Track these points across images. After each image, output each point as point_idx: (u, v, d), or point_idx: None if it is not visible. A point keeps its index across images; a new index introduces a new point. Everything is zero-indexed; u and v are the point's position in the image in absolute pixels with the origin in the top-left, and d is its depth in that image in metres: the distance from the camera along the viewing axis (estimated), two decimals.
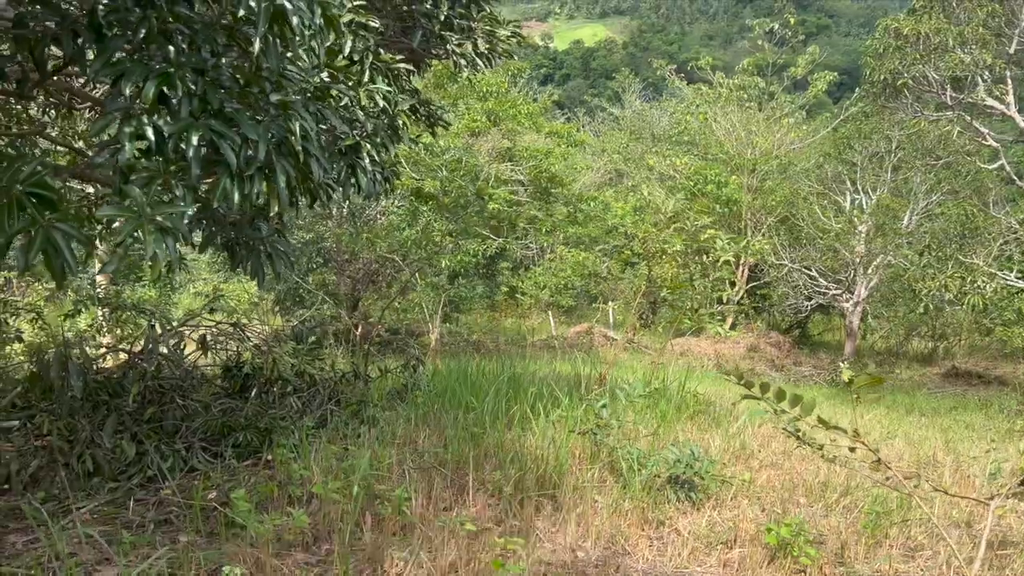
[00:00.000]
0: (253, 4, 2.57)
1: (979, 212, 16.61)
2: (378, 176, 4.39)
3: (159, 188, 2.55)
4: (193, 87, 2.69)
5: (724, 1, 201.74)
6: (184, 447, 5.40)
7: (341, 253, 16.41)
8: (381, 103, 4.14)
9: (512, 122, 21.73)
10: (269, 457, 5.42)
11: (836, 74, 28.20)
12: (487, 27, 4.75)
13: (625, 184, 31.46)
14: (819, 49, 28.51)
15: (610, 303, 26.24)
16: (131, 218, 2.40)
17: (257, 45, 2.68)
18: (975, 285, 13.05)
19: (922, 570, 3.93)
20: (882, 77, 14.98)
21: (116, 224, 2.41)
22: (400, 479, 4.81)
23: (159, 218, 2.42)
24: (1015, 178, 15.29)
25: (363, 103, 4.02)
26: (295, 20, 2.65)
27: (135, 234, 2.39)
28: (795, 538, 3.88)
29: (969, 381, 21.75)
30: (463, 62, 4.81)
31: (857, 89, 20.03)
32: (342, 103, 3.80)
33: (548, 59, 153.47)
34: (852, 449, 3.05)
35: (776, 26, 26.09)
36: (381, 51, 4.48)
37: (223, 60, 3.05)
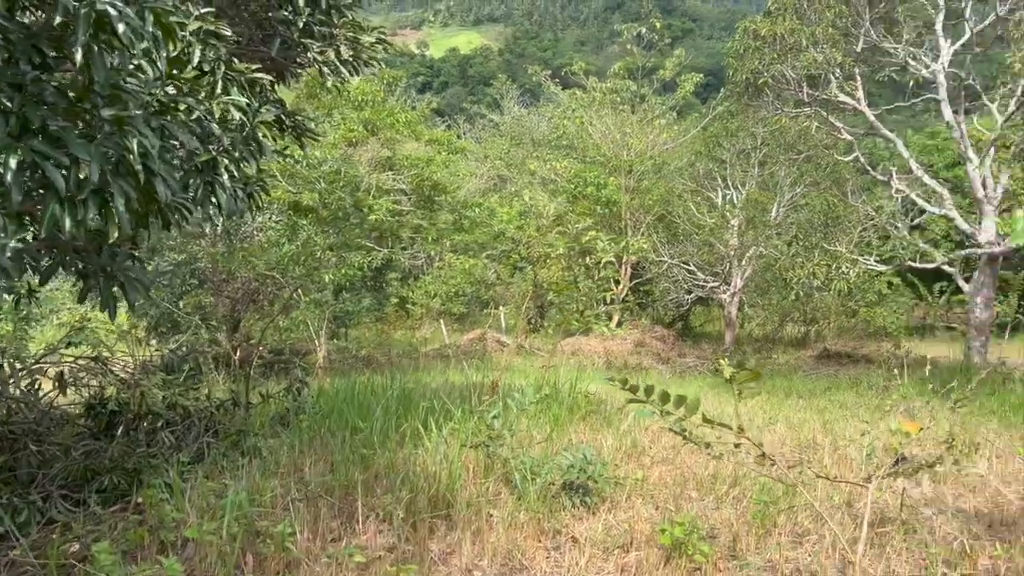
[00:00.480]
0: (71, 7, 2.31)
1: (839, 202, 17.64)
2: (239, 192, 4.12)
3: None
4: (9, 104, 2.39)
5: (594, 7, 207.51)
6: (41, 497, 4.91)
7: (217, 273, 15.64)
8: (237, 116, 3.88)
9: (391, 131, 21.40)
10: (139, 500, 5.01)
11: (702, 75, 29.37)
12: (350, 34, 4.56)
13: (509, 189, 31.66)
14: (685, 52, 29.63)
15: (501, 308, 26.30)
16: None
17: (79, 55, 2.41)
18: (840, 271, 13.85)
19: (810, 555, 4.04)
20: (744, 77, 15.70)
21: None
22: (284, 512, 4.54)
23: None
24: (868, 168, 16.33)
25: (218, 116, 3.75)
26: (121, 27, 2.39)
27: None
28: (689, 536, 3.90)
29: (840, 361, 23.07)
30: (327, 70, 4.59)
31: (722, 89, 20.92)
32: (193, 117, 3.52)
33: (425, 67, 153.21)
34: (737, 445, 3.07)
35: (644, 30, 26.88)
36: (235, 61, 4.22)
37: (54, 74, 2.76)
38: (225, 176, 3.84)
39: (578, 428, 7.14)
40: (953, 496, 5.05)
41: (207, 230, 15.04)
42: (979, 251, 14.66)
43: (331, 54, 4.51)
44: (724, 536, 4.34)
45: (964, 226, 15.12)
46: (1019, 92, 14.30)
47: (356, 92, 20.69)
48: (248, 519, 4.20)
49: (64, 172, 2.44)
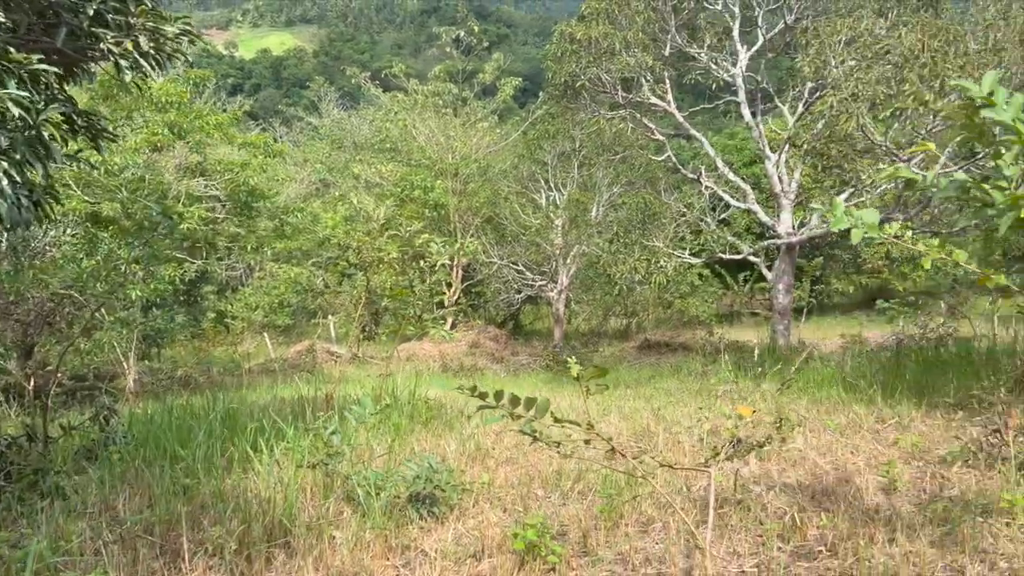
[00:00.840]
0: None
1: (654, 200, 18.67)
2: (24, 201, 3.59)
3: None
4: None
5: (410, 11, 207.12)
6: None
7: (3, 295, 13.92)
8: (17, 112, 3.37)
9: (200, 134, 20.06)
10: None
11: (520, 80, 30.04)
12: (150, 23, 4.10)
13: (332, 194, 30.79)
14: (503, 56, 30.17)
15: (330, 317, 25.49)
16: None
17: None
18: (659, 265, 14.63)
19: (657, 543, 4.11)
20: (563, 79, 16.19)
21: None
22: (96, 557, 4.02)
23: None
24: (679, 167, 17.38)
25: None
26: None
27: None
28: (541, 538, 3.84)
29: (660, 350, 24.41)
30: (124, 63, 4.10)
31: (541, 93, 21.50)
32: None
33: (235, 68, 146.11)
34: (587, 442, 3.04)
35: (462, 34, 27.11)
36: (12, 50, 3.67)
37: None
38: (5, 181, 3.31)
39: (420, 436, 6.96)
40: (778, 471, 5.37)
41: None
42: (779, 241, 16.01)
43: (129, 45, 4.02)
44: (574, 532, 4.33)
45: (765, 219, 16.46)
46: (806, 94, 15.77)
47: (159, 93, 19.20)
48: (52, 570, 3.68)
49: None
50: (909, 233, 2.80)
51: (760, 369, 11.23)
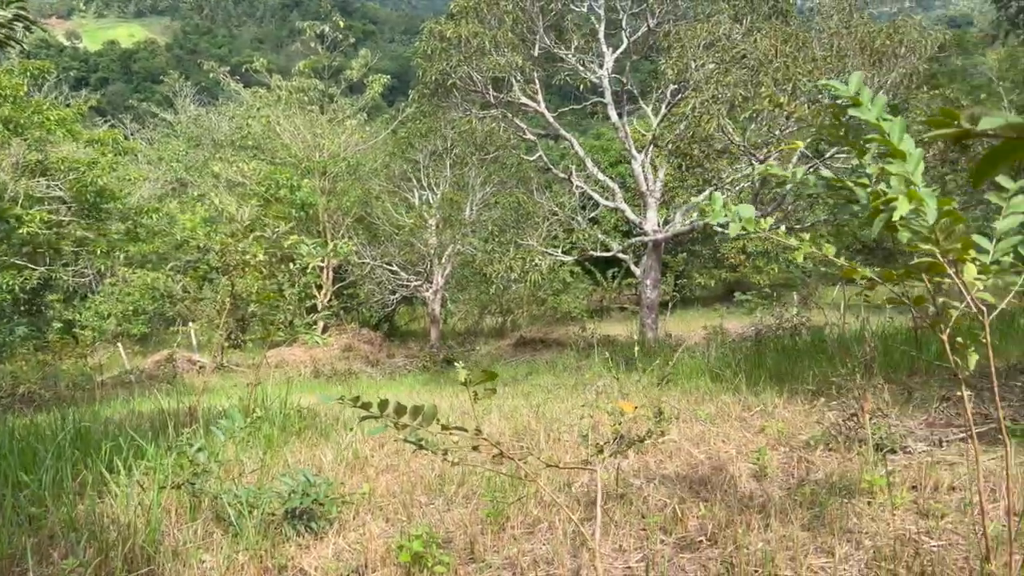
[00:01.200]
0: None
1: (527, 199, 18.87)
2: None
3: None
4: None
5: (271, 4, 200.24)
6: None
7: None
8: None
9: (39, 130, 18.43)
10: None
11: (389, 77, 29.57)
12: None
13: (191, 194, 29.21)
14: (370, 53, 29.60)
15: (191, 324, 24.16)
16: None
17: None
18: (533, 264, 14.79)
19: (544, 543, 4.08)
20: (433, 78, 16.04)
21: None
22: None
23: None
24: (550, 166, 17.64)
25: None
26: None
27: None
28: (427, 548, 3.72)
29: (535, 347, 24.74)
30: None
31: (411, 91, 21.27)
32: None
33: (78, 60, 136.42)
34: (476, 448, 2.95)
35: (327, 29, 26.37)
36: None
37: None
38: None
39: (294, 447, 6.65)
40: (656, 463, 5.48)
41: None
42: (646, 239, 16.55)
43: None
44: (460, 539, 4.24)
45: (633, 217, 16.97)
46: (669, 96, 16.38)
47: None
48: None
49: None
50: (783, 228, 2.88)
51: (636, 363, 11.56)
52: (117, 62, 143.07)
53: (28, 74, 19.33)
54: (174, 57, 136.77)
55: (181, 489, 4.73)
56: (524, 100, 16.62)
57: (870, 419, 5.43)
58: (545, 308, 29.51)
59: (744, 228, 2.78)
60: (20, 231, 17.11)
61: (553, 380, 13.48)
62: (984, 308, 2.42)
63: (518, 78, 16.19)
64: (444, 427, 2.68)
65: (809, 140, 12.33)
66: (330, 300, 23.91)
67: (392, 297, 24.85)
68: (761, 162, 12.81)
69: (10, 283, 16.26)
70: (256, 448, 6.27)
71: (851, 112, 2.42)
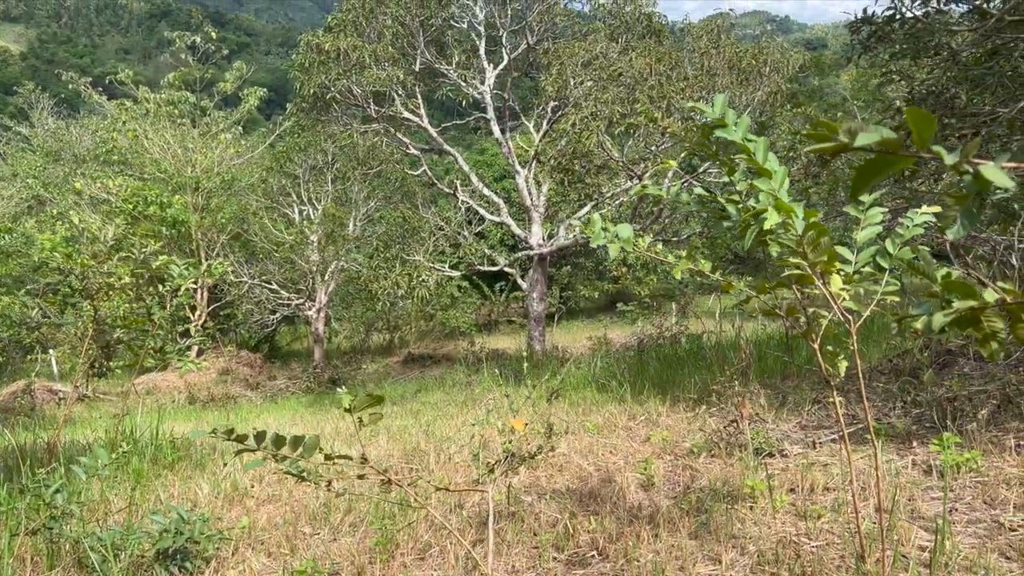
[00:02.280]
0: None
1: (413, 214, 18.71)
2: None
3: None
4: None
5: (137, 14, 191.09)
6: None
7: None
8: None
9: None
10: None
11: (265, 90, 28.68)
12: None
13: (49, 212, 27.25)
14: (245, 65, 28.62)
15: (51, 351, 22.47)
16: None
17: None
18: (420, 280, 14.65)
19: (435, 569, 3.98)
20: (311, 91, 15.65)
21: None
22: None
23: None
24: (435, 181, 17.56)
25: None
26: None
27: None
28: None
29: (424, 364, 24.50)
30: None
31: (288, 105, 20.69)
32: None
33: None
34: (361, 476, 2.83)
35: (198, 39, 25.31)
36: None
37: None
38: None
39: (166, 481, 6.25)
40: (546, 478, 5.49)
41: None
42: (531, 252, 16.73)
43: None
44: (348, 570, 4.08)
45: (518, 231, 17.13)
46: (549, 112, 16.67)
47: None
48: None
49: None
50: (660, 246, 2.93)
51: (524, 377, 11.61)
52: None
53: None
54: (29, 67, 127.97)
55: (37, 535, 4.34)
56: (406, 115, 16.50)
57: (748, 424, 5.65)
58: (433, 324, 29.31)
59: (623, 248, 2.81)
60: None
61: (443, 396, 13.36)
62: (850, 317, 2.54)
63: (400, 92, 16.06)
64: (327, 457, 2.56)
65: (683, 156, 12.86)
66: (205, 322, 22.84)
67: (272, 317, 24.03)
68: (639, 177, 13.24)
69: None
70: (124, 484, 5.86)
71: (717, 133, 2.49)
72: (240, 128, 28.64)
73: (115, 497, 5.44)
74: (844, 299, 2.54)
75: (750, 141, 2.58)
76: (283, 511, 5.28)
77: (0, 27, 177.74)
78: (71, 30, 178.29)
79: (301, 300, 23.18)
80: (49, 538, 4.31)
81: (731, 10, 14.42)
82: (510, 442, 3.81)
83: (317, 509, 5.21)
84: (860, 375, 2.72)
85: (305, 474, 2.77)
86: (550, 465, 5.83)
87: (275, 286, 23.08)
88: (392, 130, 17.11)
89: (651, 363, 10.67)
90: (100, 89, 29.34)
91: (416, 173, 18.52)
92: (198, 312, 22.48)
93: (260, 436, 2.50)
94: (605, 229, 2.82)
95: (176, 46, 25.41)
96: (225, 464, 6.74)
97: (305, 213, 23.31)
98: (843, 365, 2.61)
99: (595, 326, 24.40)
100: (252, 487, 6.02)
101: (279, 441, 2.51)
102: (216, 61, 27.88)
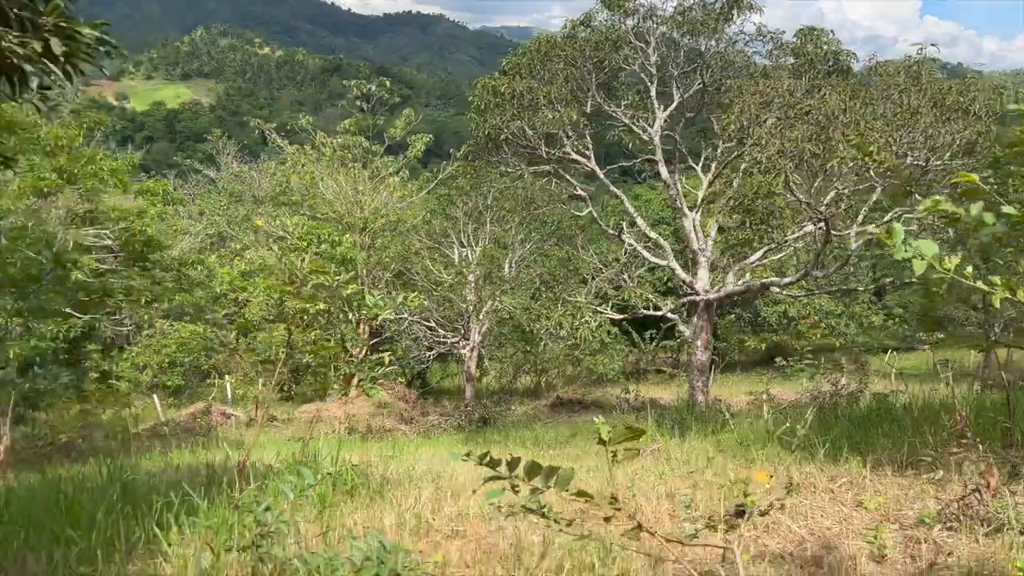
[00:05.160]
0: None
1: (575, 255, 18.64)
2: None
3: None
4: None
5: (311, 69, 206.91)
6: None
7: None
8: None
9: (93, 180, 18.67)
10: None
11: (431, 136, 29.81)
12: (63, 23, 3.48)
13: (231, 247, 29.46)
14: (413, 112, 29.91)
15: (227, 377, 23.99)
16: None
17: None
18: (584, 320, 14.45)
19: None
20: (486, 132, 16.03)
21: None
22: None
23: None
24: (600, 222, 17.42)
25: None
26: None
27: None
28: None
29: (572, 408, 24.14)
30: (31, 69, 3.44)
31: (464, 146, 21.30)
32: None
33: (126, 120, 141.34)
34: (608, 519, 2.56)
35: (373, 87, 26.81)
36: None
37: None
38: None
39: (348, 508, 6.23)
40: (753, 539, 5.00)
41: None
42: (697, 298, 16.13)
43: (37, 47, 3.38)
44: None
45: (683, 275, 16.60)
46: (719, 154, 16.17)
47: (48, 135, 17.83)
48: None
49: None
50: (970, 268, 2.51)
51: (688, 429, 11.01)
52: (162, 122, 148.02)
53: (85, 126, 19.71)
54: (217, 117, 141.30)
55: (245, 552, 4.34)
56: (575, 156, 16.53)
57: (993, 495, 4.93)
58: (580, 369, 28.95)
59: (931, 265, 2.42)
60: (75, 276, 17.11)
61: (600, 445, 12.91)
62: None
63: (570, 134, 16.14)
64: (581, 494, 2.30)
65: (880, 192, 11.91)
66: (366, 355, 23.65)
67: (428, 353, 24.54)
68: (826, 221, 12.48)
69: (55, 331, 16.21)
70: (308, 508, 5.88)
71: None
72: (407, 172, 29.90)
73: (302, 521, 5.45)
74: None
75: None
76: (472, 549, 5.08)
77: (195, 82, 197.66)
78: (254, 84, 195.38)
79: (456, 339, 23.55)
80: (258, 556, 4.30)
81: (934, 44, 13.51)
82: (746, 494, 3.42)
83: (506, 550, 4.98)
84: None
85: (545, 511, 2.53)
86: (752, 525, 5.33)
87: (432, 324, 23.60)
88: (560, 171, 17.19)
89: (835, 422, 9.83)
90: (282, 134, 31.63)
91: (581, 214, 18.45)
92: (360, 346, 23.33)
93: (513, 463, 2.29)
94: (906, 244, 2.45)
95: (352, 94, 26.98)
96: (402, 486, 6.66)
97: (464, 254, 23.82)
98: None
99: (752, 380, 23.15)
100: (434, 520, 5.89)
101: (533, 470, 2.28)
102: (382, 112, 29.35)
